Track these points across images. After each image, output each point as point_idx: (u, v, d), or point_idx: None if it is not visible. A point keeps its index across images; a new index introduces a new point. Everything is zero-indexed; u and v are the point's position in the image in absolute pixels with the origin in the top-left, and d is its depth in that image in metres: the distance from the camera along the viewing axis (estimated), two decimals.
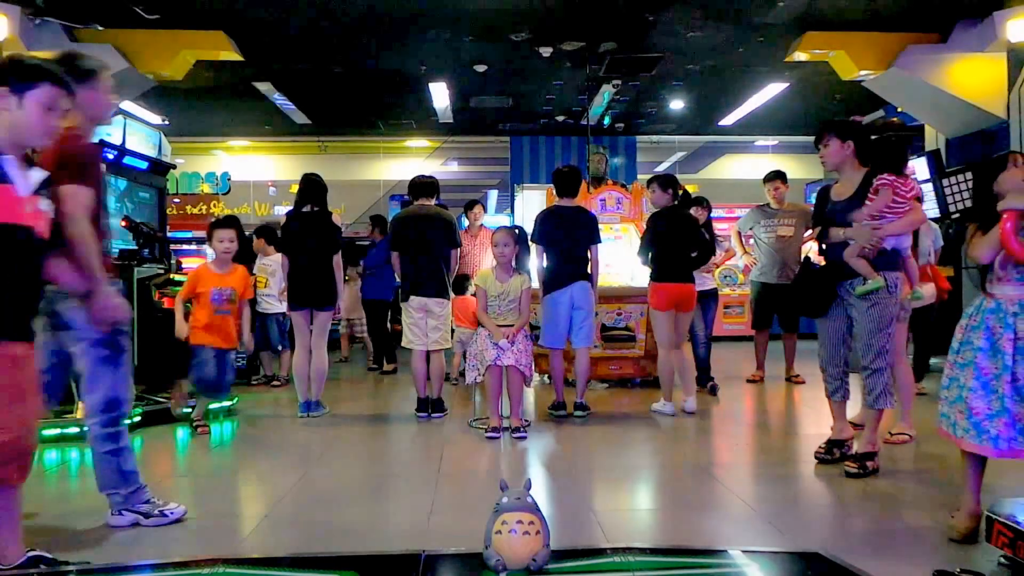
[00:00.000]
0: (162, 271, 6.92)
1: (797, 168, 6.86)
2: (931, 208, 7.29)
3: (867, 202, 3.70)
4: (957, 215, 7.35)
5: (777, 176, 6.66)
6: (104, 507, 3.07)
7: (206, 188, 12.60)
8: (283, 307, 6.33)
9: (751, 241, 6.91)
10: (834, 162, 3.87)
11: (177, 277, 7.04)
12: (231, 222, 5.04)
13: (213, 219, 4.86)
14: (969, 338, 2.77)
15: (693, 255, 5.46)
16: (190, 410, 5.09)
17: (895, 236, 3.72)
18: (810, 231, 5.60)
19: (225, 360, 4.84)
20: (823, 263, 3.96)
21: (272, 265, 6.83)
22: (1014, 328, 2.66)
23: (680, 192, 5.67)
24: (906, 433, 4.42)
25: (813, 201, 4.17)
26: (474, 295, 5.14)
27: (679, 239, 5.40)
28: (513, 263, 4.75)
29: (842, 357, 3.90)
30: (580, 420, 5.19)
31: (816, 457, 3.99)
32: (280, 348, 7.08)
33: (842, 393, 3.94)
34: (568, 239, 5.32)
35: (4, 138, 2.29)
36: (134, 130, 8.66)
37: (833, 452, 3.95)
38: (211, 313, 4.72)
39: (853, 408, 4.82)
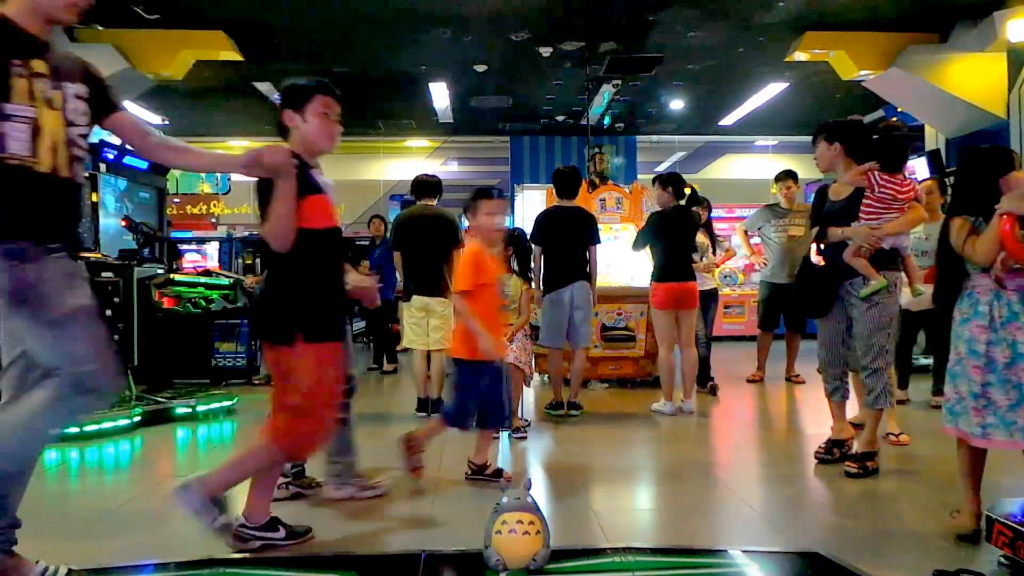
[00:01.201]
0: (162, 271, 6.93)
1: (797, 168, 6.88)
2: None
3: (862, 204, 3.70)
4: None
5: (789, 175, 6.63)
6: (101, 503, 3.07)
7: (206, 188, 12.62)
8: None
9: (754, 240, 6.91)
10: (824, 163, 3.89)
11: (177, 277, 7.05)
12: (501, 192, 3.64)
13: (478, 188, 3.64)
14: (1003, 336, 2.68)
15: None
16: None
17: (894, 236, 3.71)
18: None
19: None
20: (821, 263, 3.96)
21: None
22: (1020, 316, 2.64)
23: (687, 190, 5.66)
24: (904, 433, 4.43)
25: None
26: None
27: (680, 238, 5.41)
28: (513, 264, 4.74)
29: (841, 357, 3.90)
30: (576, 419, 5.20)
31: (816, 457, 3.99)
32: None
33: (842, 393, 3.95)
34: (568, 239, 5.33)
35: (300, 152, 2.62)
36: None
37: (833, 452, 3.95)
38: (496, 310, 3.54)
39: (853, 408, 4.82)
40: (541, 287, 5.36)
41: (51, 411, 2.12)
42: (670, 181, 5.49)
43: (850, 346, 3.87)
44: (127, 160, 8.38)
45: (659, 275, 5.42)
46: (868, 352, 3.71)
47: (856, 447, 3.90)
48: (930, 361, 5.84)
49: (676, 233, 5.42)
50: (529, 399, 5.96)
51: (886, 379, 3.73)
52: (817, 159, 3.92)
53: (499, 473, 3.61)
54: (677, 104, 10.72)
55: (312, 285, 2.58)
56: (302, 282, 2.57)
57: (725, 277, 10.37)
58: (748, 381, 6.74)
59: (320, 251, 2.61)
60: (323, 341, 2.59)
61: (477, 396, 3.46)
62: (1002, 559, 2.46)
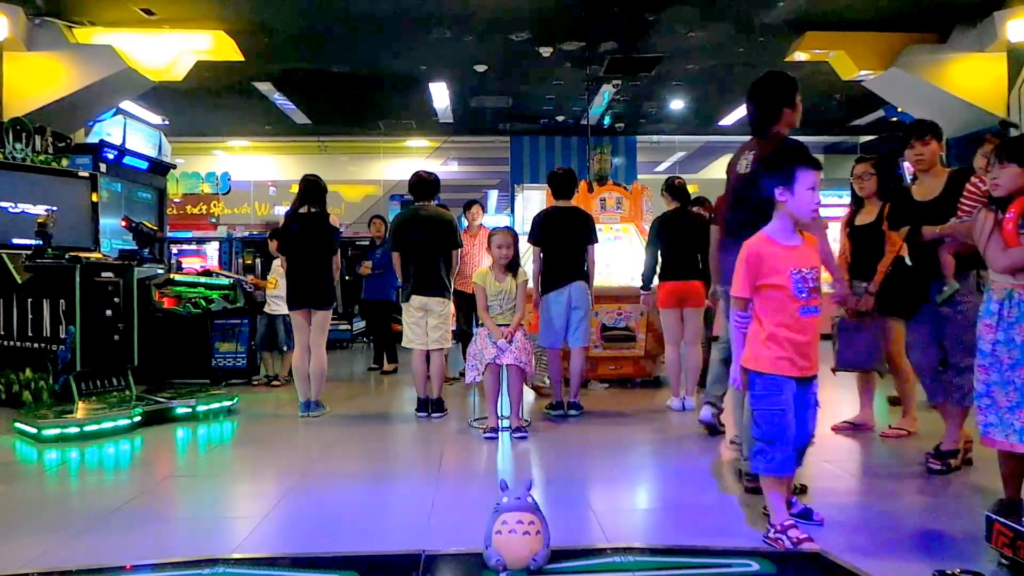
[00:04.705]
0: (162, 271, 6.93)
1: None
2: None
3: (962, 201, 3.54)
4: None
5: None
6: (101, 503, 3.07)
7: (206, 188, 12.62)
8: None
9: None
10: (931, 160, 3.83)
11: (177, 277, 7.06)
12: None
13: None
14: (1011, 336, 2.63)
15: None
16: None
17: None
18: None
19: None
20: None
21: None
22: None
23: (678, 186, 5.72)
24: (905, 429, 4.44)
25: None
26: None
27: (682, 238, 5.47)
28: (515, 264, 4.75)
29: (935, 357, 3.75)
30: (576, 420, 5.20)
31: (930, 471, 3.75)
32: (285, 348, 7.09)
33: (943, 395, 3.75)
34: (565, 240, 5.34)
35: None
36: (134, 130, 8.70)
37: (950, 463, 3.71)
38: (793, 316, 2.70)
39: (853, 409, 4.82)
40: (539, 287, 5.37)
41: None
42: (665, 187, 5.76)
43: (937, 348, 3.73)
44: (127, 160, 8.40)
45: (662, 275, 5.54)
46: (960, 349, 3.57)
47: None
48: None
49: (676, 234, 5.47)
50: (529, 399, 5.96)
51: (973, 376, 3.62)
52: (924, 155, 3.84)
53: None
54: (677, 104, 10.73)
55: None
56: None
57: None
58: None
59: None
60: None
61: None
62: (1002, 559, 2.46)
